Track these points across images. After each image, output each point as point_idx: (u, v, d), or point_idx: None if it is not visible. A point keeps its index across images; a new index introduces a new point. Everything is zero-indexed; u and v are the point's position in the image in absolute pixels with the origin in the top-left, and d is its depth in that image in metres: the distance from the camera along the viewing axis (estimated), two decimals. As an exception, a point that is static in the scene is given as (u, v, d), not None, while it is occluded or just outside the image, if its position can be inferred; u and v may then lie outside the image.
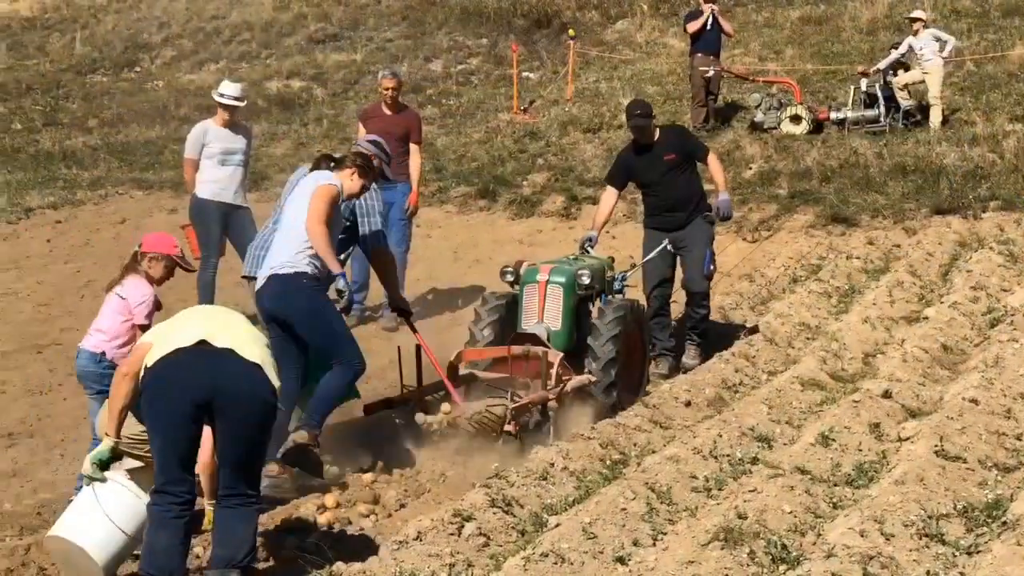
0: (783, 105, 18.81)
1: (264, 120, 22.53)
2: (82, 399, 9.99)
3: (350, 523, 7.16)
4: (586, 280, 9.29)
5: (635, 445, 7.69)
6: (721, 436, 7.38)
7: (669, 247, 10.37)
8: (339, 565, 5.53)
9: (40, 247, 16.21)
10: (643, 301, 10.24)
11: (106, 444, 5.96)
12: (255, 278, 8.24)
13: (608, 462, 7.32)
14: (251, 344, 5.92)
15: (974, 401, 7.30)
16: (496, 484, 6.69)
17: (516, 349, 8.72)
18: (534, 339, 8.98)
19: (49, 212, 17.94)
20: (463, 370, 8.93)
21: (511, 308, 9.39)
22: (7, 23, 31.37)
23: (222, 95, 11.75)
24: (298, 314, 7.70)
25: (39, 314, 12.98)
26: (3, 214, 17.73)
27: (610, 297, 9.56)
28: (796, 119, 18.50)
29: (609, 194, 10.88)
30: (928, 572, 4.95)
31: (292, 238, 7.87)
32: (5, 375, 10.81)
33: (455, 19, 27.28)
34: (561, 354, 8.79)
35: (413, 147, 12.23)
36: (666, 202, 10.56)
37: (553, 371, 8.56)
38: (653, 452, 7.36)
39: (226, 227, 11.73)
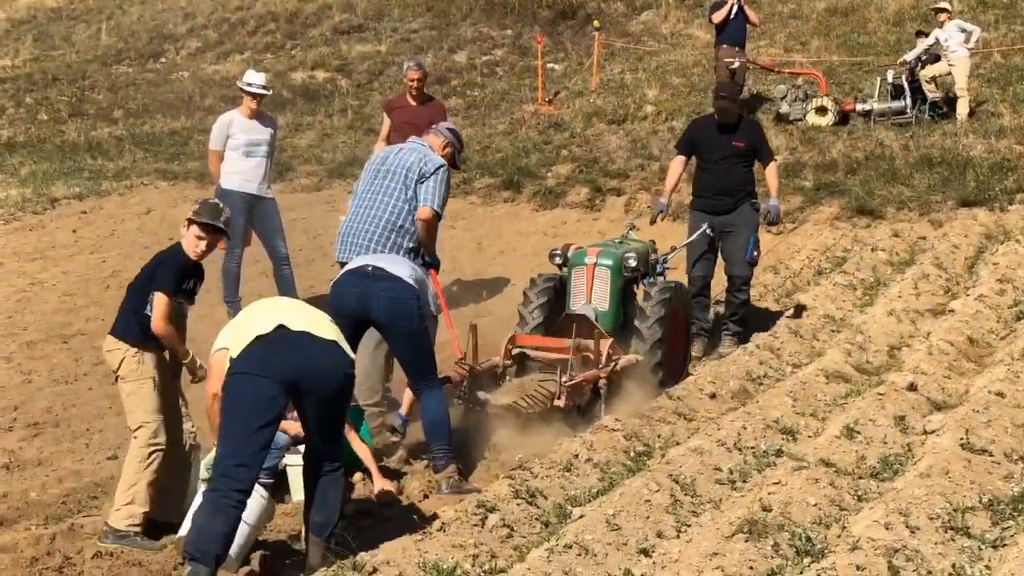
0: (809, 96, 18.73)
1: (289, 111, 22.58)
2: (107, 389, 10.05)
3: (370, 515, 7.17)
4: (632, 263, 9.59)
5: (659, 437, 7.68)
6: (746, 428, 7.36)
7: (709, 231, 10.51)
8: (363, 556, 5.53)
9: (66, 237, 16.29)
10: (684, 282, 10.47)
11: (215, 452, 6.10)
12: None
13: (632, 454, 7.31)
14: (323, 324, 6.15)
15: (1000, 394, 7.26)
16: (520, 475, 6.69)
17: (569, 342, 8.77)
18: (582, 319, 9.21)
19: (75, 202, 18.05)
20: (515, 350, 9.15)
21: (559, 290, 9.69)
22: (33, 14, 31.51)
23: (249, 84, 11.76)
24: (408, 325, 7.64)
25: (65, 304, 13.04)
26: (29, 204, 17.84)
27: (655, 279, 9.81)
28: (822, 110, 18.42)
29: (677, 161, 11.06)
30: (953, 565, 4.92)
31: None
32: (31, 365, 10.86)
33: (480, 10, 27.25)
34: (611, 340, 9.01)
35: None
36: (717, 185, 10.65)
37: (604, 351, 8.77)
38: (677, 444, 7.35)
39: (251, 218, 11.76)
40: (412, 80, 12.22)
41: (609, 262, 9.56)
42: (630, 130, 19.33)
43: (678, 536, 5.76)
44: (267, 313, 6.15)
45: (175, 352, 7.12)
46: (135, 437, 6.90)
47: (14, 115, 24.66)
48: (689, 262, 10.77)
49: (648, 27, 25.55)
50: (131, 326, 7.04)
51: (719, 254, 10.73)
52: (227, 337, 6.09)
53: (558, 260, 9.91)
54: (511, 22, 26.71)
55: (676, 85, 20.98)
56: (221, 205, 7.39)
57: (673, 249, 10.70)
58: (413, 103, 12.27)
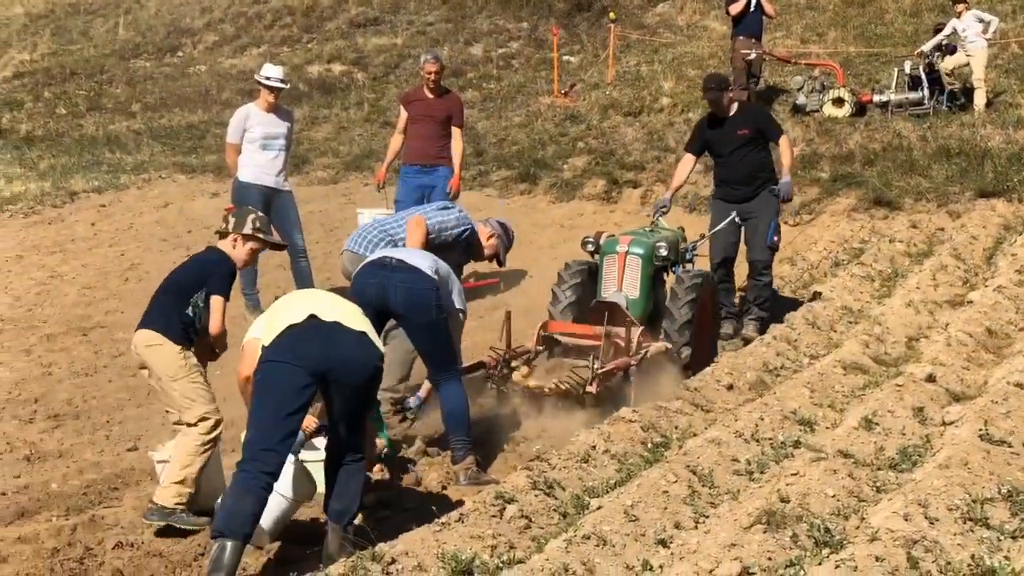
0: (825, 88, 18.70)
1: (305, 104, 22.62)
2: (126, 381, 10.11)
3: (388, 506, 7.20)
4: (663, 252, 9.75)
5: (676, 428, 7.67)
6: (763, 419, 7.35)
7: (737, 219, 10.72)
8: (381, 546, 5.54)
9: (85, 231, 16.36)
10: (708, 268, 10.64)
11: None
12: (359, 254, 8.49)
13: (650, 445, 7.31)
14: (354, 315, 6.28)
15: (1019, 385, 7.24)
16: (538, 466, 6.70)
17: (599, 329, 9.00)
18: (613, 307, 9.35)
19: (93, 196, 18.13)
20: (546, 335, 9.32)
21: (591, 276, 9.85)
22: (51, 8, 31.63)
23: (267, 78, 11.77)
24: (427, 316, 7.73)
25: (84, 297, 13.09)
26: (48, 198, 17.92)
27: (684, 267, 9.98)
28: (839, 102, 18.39)
29: (686, 160, 11.30)
30: (973, 556, 4.91)
31: (435, 261, 7.99)
32: (51, 357, 10.91)
33: (495, 2, 27.27)
34: (641, 328, 9.17)
35: (455, 131, 12.26)
36: (735, 175, 10.92)
37: (635, 338, 8.92)
38: (695, 435, 7.35)
39: (268, 211, 11.77)
40: (429, 73, 12.25)
41: (640, 251, 9.71)
42: (646, 122, 19.33)
43: (696, 527, 5.77)
44: (300, 304, 6.28)
45: (223, 349, 7.38)
46: (194, 426, 6.96)
47: (33, 109, 24.77)
48: (714, 249, 10.93)
49: (664, 19, 25.52)
50: (174, 325, 7.05)
51: (741, 241, 10.96)
52: (260, 326, 6.24)
53: (590, 248, 10.07)
54: (527, 14, 26.71)
55: (692, 77, 20.94)
56: (258, 213, 7.58)
57: (702, 237, 10.86)
58: (430, 95, 12.32)
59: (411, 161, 12.27)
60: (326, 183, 18.68)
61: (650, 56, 23.07)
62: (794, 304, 11.45)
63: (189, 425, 6.98)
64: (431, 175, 12.09)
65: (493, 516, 5.95)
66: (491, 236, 9.00)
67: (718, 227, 10.79)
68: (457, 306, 7.95)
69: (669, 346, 9.25)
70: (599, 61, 23.11)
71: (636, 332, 9.02)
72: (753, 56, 18.29)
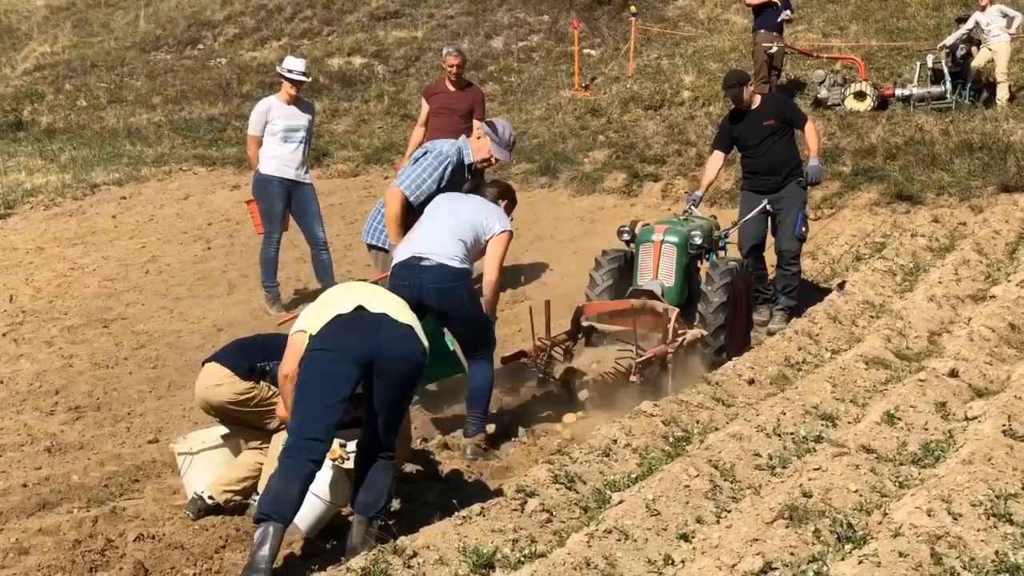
0: (847, 81, 18.63)
1: (325, 97, 22.64)
2: (147, 373, 10.14)
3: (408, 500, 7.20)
4: (698, 240, 9.94)
5: (698, 422, 7.66)
6: (785, 414, 7.33)
7: (769, 207, 10.94)
8: (403, 540, 5.55)
9: (105, 223, 16.40)
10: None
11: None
12: (382, 249, 8.90)
13: (671, 439, 7.30)
14: (402, 309, 6.33)
15: (1043, 380, 7.21)
16: (559, 460, 6.70)
17: (636, 303, 9.24)
18: (649, 295, 9.56)
19: (114, 188, 18.19)
20: (584, 322, 9.47)
21: (626, 265, 10.01)
22: (72, 1, 31.72)
23: (290, 71, 11.78)
24: (461, 309, 7.89)
25: (105, 289, 13.13)
26: (69, 190, 17.98)
27: (718, 256, 10.17)
28: (860, 95, 18.31)
29: (715, 157, 11.40)
30: (996, 552, 4.89)
31: (460, 230, 7.96)
32: (72, 349, 10.94)
33: (516, -5, 27.25)
34: (677, 310, 9.29)
35: (476, 124, 12.17)
36: (763, 166, 11.09)
37: (671, 326, 9.06)
38: (716, 429, 7.32)
39: (289, 203, 11.80)
40: (451, 66, 12.25)
41: (675, 239, 9.85)
42: (667, 116, 19.29)
43: (718, 521, 5.76)
44: (348, 295, 6.34)
45: None
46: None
47: (53, 101, 24.85)
48: (743, 237, 11.13)
49: (685, 12, 25.47)
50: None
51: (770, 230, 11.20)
52: (306, 320, 6.27)
53: (626, 236, 10.19)
54: (547, 8, 26.69)
55: (713, 70, 20.89)
56: None
57: (733, 225, 11.17)
58: (452, 88, 12.32)
59: None
60: (346, 176, 18.70)
61: (671, 49, 23.02)
62: (820, 295, 11.49)
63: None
64: None
65: (515, 510, 5.95)
66: (479, 137, 8.71)
67: (748, 216, 10.98)
68: (498, 229, 8.00)
69: (705, 332, 9.38)
70: (620, 55, 23.07)
71: (673, 316, 9.13)
72: (775, 49, 18.21)
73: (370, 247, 9.72)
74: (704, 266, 10.08)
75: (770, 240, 11.26)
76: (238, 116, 21.71)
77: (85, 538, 6.63)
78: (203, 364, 7.18)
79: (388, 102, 22.36)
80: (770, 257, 11.48)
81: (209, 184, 18.33)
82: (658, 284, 9.74)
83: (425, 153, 8.60)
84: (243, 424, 7.14)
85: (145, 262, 14.18)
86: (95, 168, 19.14)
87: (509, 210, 8.51)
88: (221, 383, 6.98)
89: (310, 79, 12.43)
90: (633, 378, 8.53)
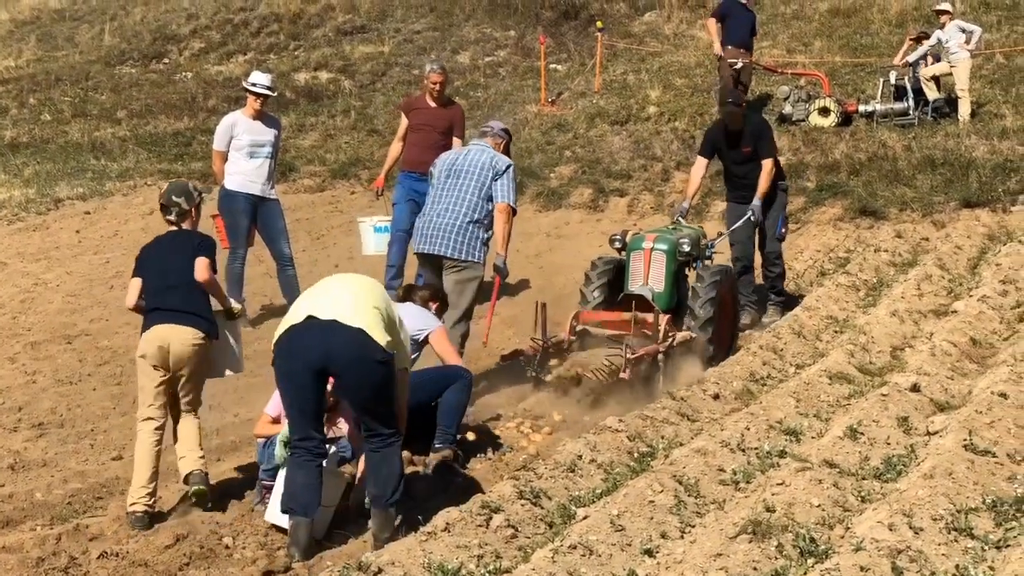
0: (811, 97, 18.75)
1: (292, 112, 22.59)
2: (111, 389, 10.09)
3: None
4: (687, 248, 10.45)
5: (663, 438, 7.69)
6: (749, 429, 7.37)
7: (753, 217, 11.43)
8: (368, 556, 5.55)
9: (69, 238, 16.32)
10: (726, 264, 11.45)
11: (287, 429, 6.88)
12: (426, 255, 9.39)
13: (636, 455, 7.33)
14: (354, 312, 6.50)
15: (1003, 395, 7.26)
16: (524, 476, 6.71)
17: (628, 316, 9.71)
18: (640, 299, 10.06)
19: (78, 203, 18.09)
20: (579, 327, 9.98)
21: (618, 272, 10.52)
22: (36, 14, 31.54)
23: (254, 84, 11.77)
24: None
25: (68, 305, 13.06)
26: (33, 205, 17.88)
27: (706, 263, 10.68)
28: (824, 111, 18.44)
29: (699, 164, 11.97)
30: (957, 566, 4.93)
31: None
32: (35, 365, 10.88)
33: (483, 11, 27.26)
34: (668, 316, 9.85)
35: (456, 142, 12.03)
36: (743, 182, 11.70)
37: (662, 327, 9.58)
38: (681, 445, 7.36)
39: (254, 218, 11.77)
40: (435, 83, 12.21)
41: (665, 247, 10.36)
42: (633, 131, 19.35)
43: (682, 537, 5.78)
44: (305, 301, 6.71)
45: None
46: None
47: (17, 116, 24.67)
48: (735, 245, 11.76)
49: (651, 28, 25.55)
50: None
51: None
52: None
53: (617, 244, 10.69)
54: (514, 23, 26.72)
55: (679, 86, 20.99)
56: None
57: (720, 235, 11.80)
58: (433, 104, 12.27)
59: (410, 169, 12.10)
60: (313, 191, 18.67)
61: (637, 65, 23.09)
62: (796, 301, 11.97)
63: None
64: (427, 183, 11.93)
65: (480, 526, 5.96)
66: (498, 143, 9.78)
67: (736, 225, 11.57)
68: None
69: (694, 335, 9.90)
70: (586, 70, 23.14)
71: (663, 321, 9.65)
72: (740, 65, 18.31)
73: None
74: (692, 274, 10.57)
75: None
76: (204, 130, 21.63)
77: (48, 556, 6.60)
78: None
79: (355, 117, 22.33)
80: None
81: (174, 199, 18.22)
82: (648, 289, 10.21)
83: (507, 167, 9.49)
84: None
85: (109, 277, 14.11)
86: (59, 183, 19.03)
87: (440, 313, 8.80)
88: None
89: (275, 93, 12.41)
90: (624, 374, 9.02)
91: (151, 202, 17.87)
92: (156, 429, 7.46)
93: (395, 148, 12.57)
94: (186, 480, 7.43)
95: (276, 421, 7.45)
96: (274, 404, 7.48)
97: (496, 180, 9.41)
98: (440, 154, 11.51)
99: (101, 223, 17.09)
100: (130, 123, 23.37)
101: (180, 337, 7.43)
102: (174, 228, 7.85)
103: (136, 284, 7.73)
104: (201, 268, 7.56)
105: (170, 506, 7.52)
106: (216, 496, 7.50)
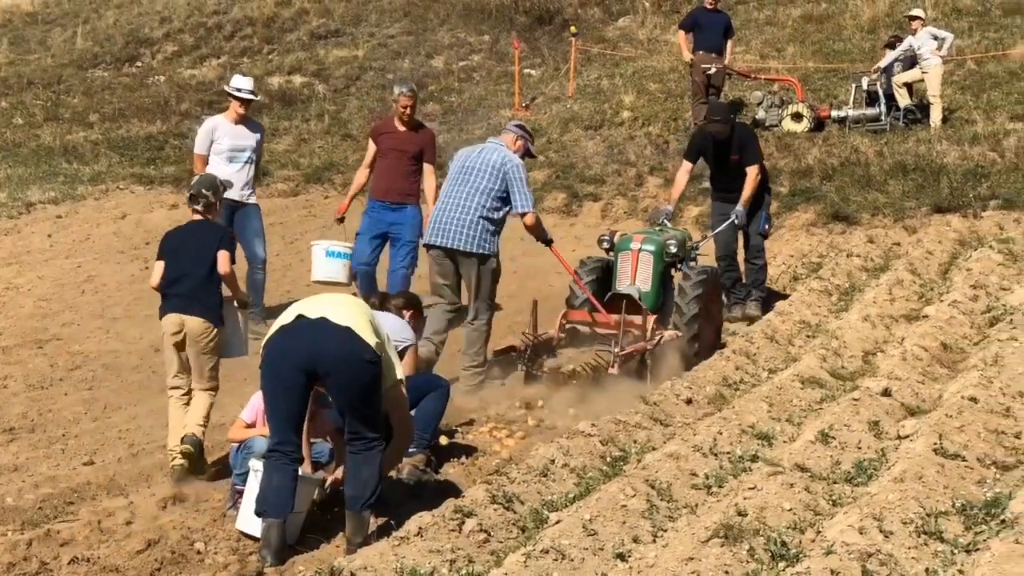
0: (784, 103, 18.85)
1: (266, 116, 22.48)
2: (82, 394, 10.05)
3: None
4: (673, 249, 10.72)
5: (635, 442, 7.70)
6: (721, 434, 7.40)
7: (736, 221, 11.77)
8: (340, 561, 5.54)
9: (41, 242, 16.23)
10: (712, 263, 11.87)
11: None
12: (437, 247, 9.73)
13: (608, 459, 7.34)
14: (343, 311, 6.63)
15: (973, 399, 7.31)
16: (497, 480, 6.72)
17: (615, 317, 9.88)
18: (627, 298, 10.23)
19: (50, 207, 17.97)
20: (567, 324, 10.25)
21: (606, 271, 10.77)
22: (8, 18, 31.35)
23: (239, 89, 11.71)
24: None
25: (40, 309, 12.99)
26: (4, 209, 17.76)
27: (691, 263, 10.88)
28: (797, 117, 18.52)
29: (684, 168, 12.38)
30: (927, 570, 4.96)
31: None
32: (6, 370, 10.82)
33: (457, 15, 27.25)
34: (655, 316, 10.14)
35: (427, 167, 11.64)
36: (728, 185, 12.06)
37: (650, 325, 9.90)
38: (653, 449, 7.38)
39: (231, 223, 11.63)
40: (404, 107, 11.53)
41: (652, 248, 10.64)
42: (607, 136, 19.39)
43: (654, 541, 5.79)
44: (296, 306, 6.76)
45: None
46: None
47: (-11, 119, 24.53)
48: (719, 243, 12.15)
49: (625, 33, 25.60)
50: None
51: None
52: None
53: (606, 245, 10.95)
54: (488, 28, 26.72)
55: (653, 91, 21.05)
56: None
57: (704, 237, 12.28)
58: (402, 128, 11.62)
59: (378, 197, 11.57)
60: (286, 195, 18.63)
61: (611, 70, 23.14)
62: (778, 296, 12.30)
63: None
64: (398, 213, 11.46)
65: (452, 530, 5.96)
66: (517, 139, 10.05)
67: (720, 227, 11.94)
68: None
69: (680, 333, 10.11)
70: (560, 75, 23.17)
71: (651, 320, 9.97)
72: (713, 71, 18.38)
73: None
74: (678, 275, 10.78)
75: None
76: (176, 134, 21.57)
77: (19, 561, 6.56)
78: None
79: (329, 121, 22.29)
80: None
81: (147, 203, 18.17)
82: (635, 289, 10.44)
83: (516, 168, 9.74)
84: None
85: (81, 282, 14.05)
86: (31, 186, 18.91)
87: (415, 320, 8.77)
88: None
89: (259, 97, 12.35)
90: (612, 370, 9.31)
91: (123, 206, 17.84)
92: (183, 395, 8.23)
93: (361, 175, 12.02)
94: (181, 440, 7.91)
95: (251, 426, 7.47)
96: (250, 409, 7.56)
97: (510, 184, 9.71)
98: (411, 180, 11.49)
99: (73, 227, 17.00)
100: (102, 127, 23.25)
101: (191, 323, 8.12)
102: (199, 218, 8.48)
103: (159, 267, 8.33)
104: (223, 261, 8.19)
105: (142, 512, 7.47)
106: (190, 501, 7.49)
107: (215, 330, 8.20)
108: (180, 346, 8.18)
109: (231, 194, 11.49)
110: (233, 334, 8.51)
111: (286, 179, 19.16)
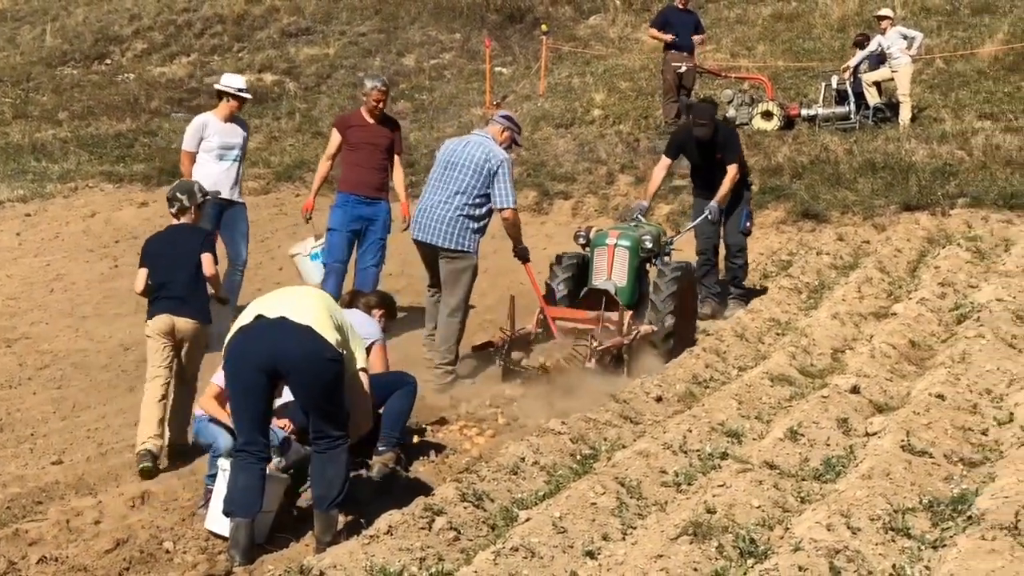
0: (754, 101, 18.92)
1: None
2: (51, 393, 9.99)
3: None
4: (649, 244, 10.75)
5: (605, 440, 7.72)
6: (691, 431, 7.41)
7: (711, 216, 11.85)
8: (310, 559, 5.54)
9: (9, 240, 16.13)
10: (692, 257, 12.11)
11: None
12: (422, 243, 9.92)
13: (578, 457, 7.35)
14: (302, 309, 6.63)
15: (940, 396, 7.35)
16: (467, 478, 6.72)
17: (591, 313, 10.03)
18: (604, 294, 10.35)
19: (18, 205, 17.86)
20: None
21: (582, 267, 10.80)
22: (-23, 15, 31.18)
23: (240, 89, 11.63)
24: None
25: (8, 308, 12.91)
26: (-28, 207, 17.65)
27: (665, 259, 10.93)
28: (767, 115, 18.59)
29: (663, 163, 12.49)
30: (894, 566, 4.99)
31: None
32: (-26, 369, 10.76)
33: (428, 13, 27.27)
34: (631, 312, 10.21)
35: (396, 159, 11.62)
36: (711, 181, 12.11)
37: (627, 320, 9.98)
38: (623, 447, 7.39)
39: (218, 223, 11.48)
40: (377, 100, 11.39)
41: (628, 243, 10.66)
42: (577, 134, 19.41)
43: (624, 538, 5.80)
44: (256, 305, 6.76)
45: None
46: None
47: (-43, 117, 24.38)
48: (699, 238, 12.26)
49: (596, 31, 25.67)
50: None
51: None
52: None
53: (582, 240, 10.97)
54: (459, 26, 26.74)
55: (623, 89, 21.10)
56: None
57: (677, 233, 12.37)
58: (371, 121, 11.46)
59: (349, 190, 11.38)
60: (257, 193, 18.54)
61: (582, 68, 23.18)
62: (754, 293, 12.37)
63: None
64: (372, 207, 11.34)
65: (422, 528, 5.96)
66: (504, 131, 10.11)
67: (696, 222, 12.09)
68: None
69: (655, 328, 10.21)
70: (531, 73, 23.19)
71: (627, 315, 10.03)
72: (684, 69, 18.44)
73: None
74: (653, 270, 10.82)
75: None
76: (146, 132, 21.48)
77: (-13, 560, 6.52)
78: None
79: (299, 119, 22.25)
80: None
81: (116, 201, 18.07)
82: (612, 284, 10.49)
83: (500, 164, 9.78)
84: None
85: (50, 280, 13.98)
86: (-1, 184, 18.82)
87: (385, 320, 8.73)
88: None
89: (251, 96, 12.33)
90: (589, 364, 9.42)
91: (92, 204, 17.75)
92: (163, 384, 8.24)
93: (324, 167, 11.82)
94: (138, 456, 8.03)
95: (222, 392, 7.30)
96: (221, 373, 7.36)
97: (492, 180, 9.78)
98: (383, 174, 11.45)
99: (42, 225, 16.91)
100: (71, 124, 23.14)
101: (182, 324, 8.29)
102: (175, 222, 8.65)
103: (143, 273, 8.42)
104: (208, 263, 8.40)
105: (111, 511, 7.44)
106: (159, 500, 7.46)
107: (204, 327, 8.44)
108: (169, 344, 8.30)
109: (220, 193, 11.42)
110: (214, 328, 8.72)
111: (257, 177, 19.08)
